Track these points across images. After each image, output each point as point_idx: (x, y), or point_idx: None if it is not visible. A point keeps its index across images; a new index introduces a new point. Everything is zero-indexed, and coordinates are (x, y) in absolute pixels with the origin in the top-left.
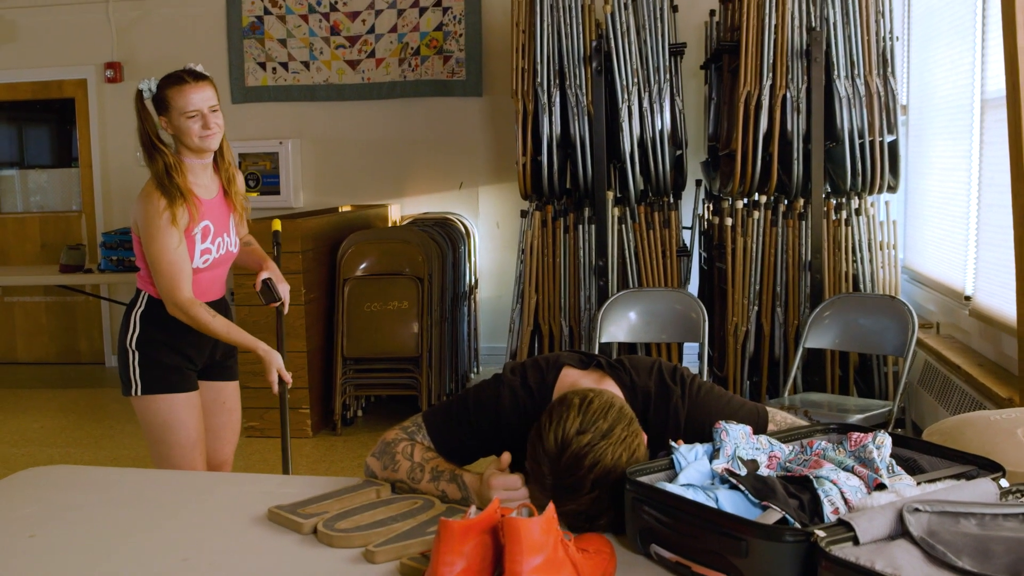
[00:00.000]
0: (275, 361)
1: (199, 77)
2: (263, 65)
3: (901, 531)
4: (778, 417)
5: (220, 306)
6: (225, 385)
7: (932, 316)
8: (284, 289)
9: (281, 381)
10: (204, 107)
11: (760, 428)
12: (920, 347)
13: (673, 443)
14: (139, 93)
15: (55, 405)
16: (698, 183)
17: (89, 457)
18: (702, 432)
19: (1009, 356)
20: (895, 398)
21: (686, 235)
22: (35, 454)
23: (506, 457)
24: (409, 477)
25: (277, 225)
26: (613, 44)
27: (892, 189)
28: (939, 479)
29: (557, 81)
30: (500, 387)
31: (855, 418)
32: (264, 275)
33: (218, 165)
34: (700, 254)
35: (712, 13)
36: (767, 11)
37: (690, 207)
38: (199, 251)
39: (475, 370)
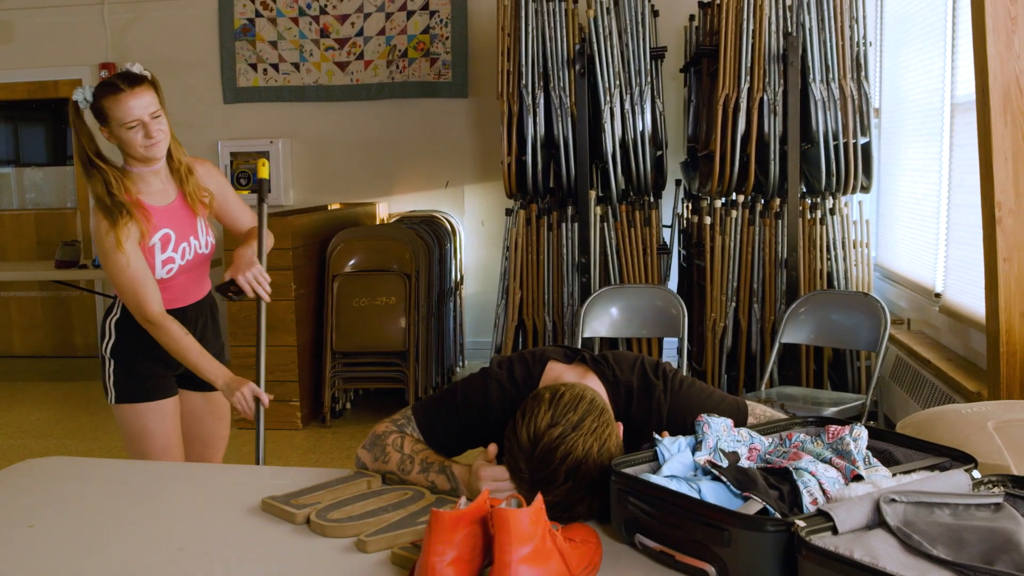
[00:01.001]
0: (239, 396)
1: (135, 82)
2: (254, 66)
3: (878, 521)
4: (758, 411)
5: (202, 307)
6: (214, 393)
7: (903, 312)
8: (253, 271)
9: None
10: (144, 115)
11: (740, 421)
12: (891, 342)
13: (657, 436)
14: (74, 105)
15: (50, 398)
16: (677, 183)
17: (84, 448)
18: (684, 426)
19: (977, 351)
20: (868, 392)
21: (666, 233)
22: (31, 445)
23: (493, 448)
24: (399, 468)
25: (264, 171)
26: (596, 47)
27: (865, 189)
28: (914, 470)
29: (541, 83)
30: (488, 381)
31: (829, 411)
32: (228, 276)
33: (172, 166)
34: (679, 252)
35: (691, 18)
36: (745, 16)
37: (670, 206)
38: (160, 261)
39: (460, 364)
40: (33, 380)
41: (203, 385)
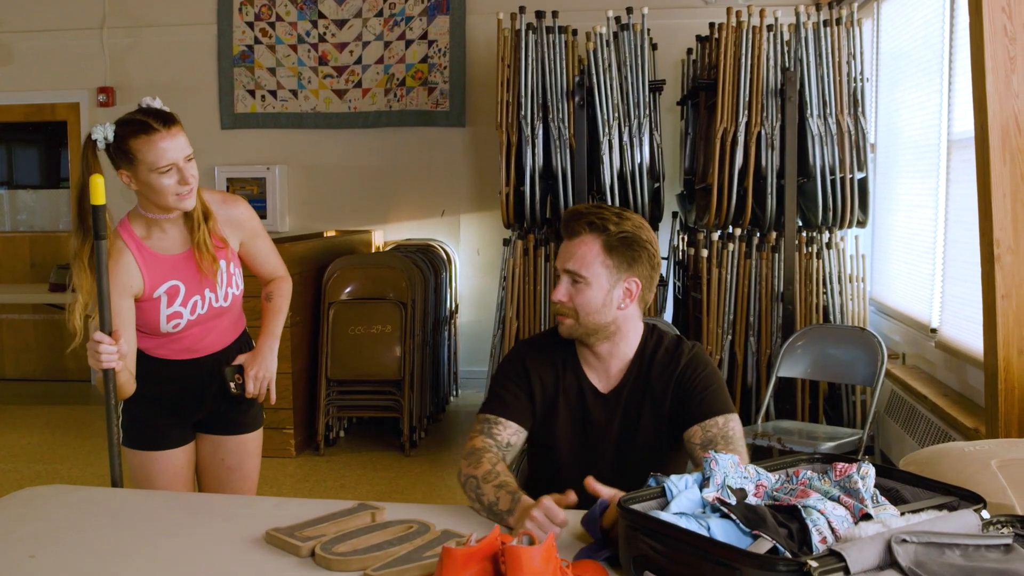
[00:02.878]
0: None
1: (169, 121)
2: (252, 92)
3: (889, 561)
4: (730, 424)
5: (226, 358)
6: (224, 440)
7: (898, 347)
8: (261, 379)
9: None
10: (179, 159)
11: (701, 416)
12: (886, 377)
13: (662, 476)
14: (91, 143)
15: (41, 421)
16: (674, 215)
17: (76, 474)
18: (690, 387)
19: (974, 387)
20: (865, 427)
21: (662, 265)
22: (22, 470)
23: (572, 497)
24: (483, 476)
25: (98, 196)
26: (595, 80)
27: (861, 224)
28: (922, 509)
29: (540, 114)
30: (518, 343)
31: (826, 445)
32: (240, 360)
33: (186, 216)
34: (675, 284)
35: (689, 51)
36: (743, 51)
37: (666, 238)
38: (164, 316)
39: (455, 393)
40: (24, 403)
41: (213, 428)
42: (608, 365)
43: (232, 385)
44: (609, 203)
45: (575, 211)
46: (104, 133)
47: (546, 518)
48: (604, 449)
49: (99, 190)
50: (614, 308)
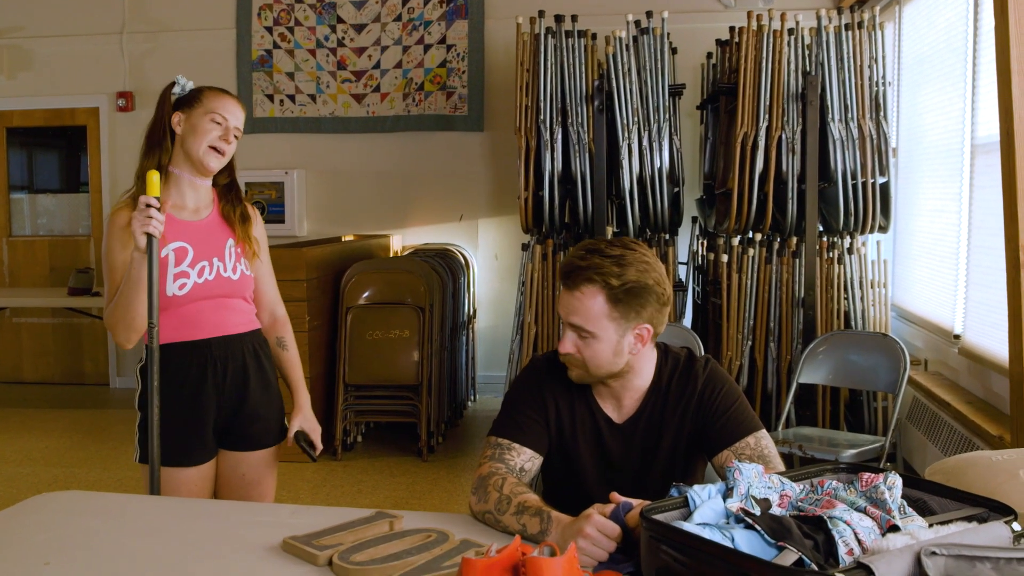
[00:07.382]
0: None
1: (239, 101)
2: (271, 97)
3: (918, 574)
4: (762, 443)
5: (239, 345)
6: (244, 456)
7: (919, 353)
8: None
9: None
10: (231, 123)
11: (734, 438)
12: (908, 384)
13: (684, 485)
14: (170, 84)
15: (60, 425)
16: (693, 220)
17: (93, 478)
18: (711, 410)
19: (998, 394)
20: (887, 434)
21: (681, 270)
22: (39, 473)
23: (616, 496)
24: (495, 508)
25: (153, 189)
26: (614, 84)
27: (883, 229)
28: (951, 521)
29: (559, 119)
30: (532, 361)
31: (847, 453)
32: (296, 424)
33: (223, 196)
34: (695, 289)
35: (709, 55)
36: (764, 55)
37: (686, 243)
38: (172, 275)
39: (472, 398)
40: (42, 407)
41: (232, 443)
42: (621, 397)
43: (311, 450)
44: (629, 209)
45: (572, 264)
46: (183, 84)
47: (600, 534)
48: (623, 476)
49: (154, 184)
50: (626, 354)
